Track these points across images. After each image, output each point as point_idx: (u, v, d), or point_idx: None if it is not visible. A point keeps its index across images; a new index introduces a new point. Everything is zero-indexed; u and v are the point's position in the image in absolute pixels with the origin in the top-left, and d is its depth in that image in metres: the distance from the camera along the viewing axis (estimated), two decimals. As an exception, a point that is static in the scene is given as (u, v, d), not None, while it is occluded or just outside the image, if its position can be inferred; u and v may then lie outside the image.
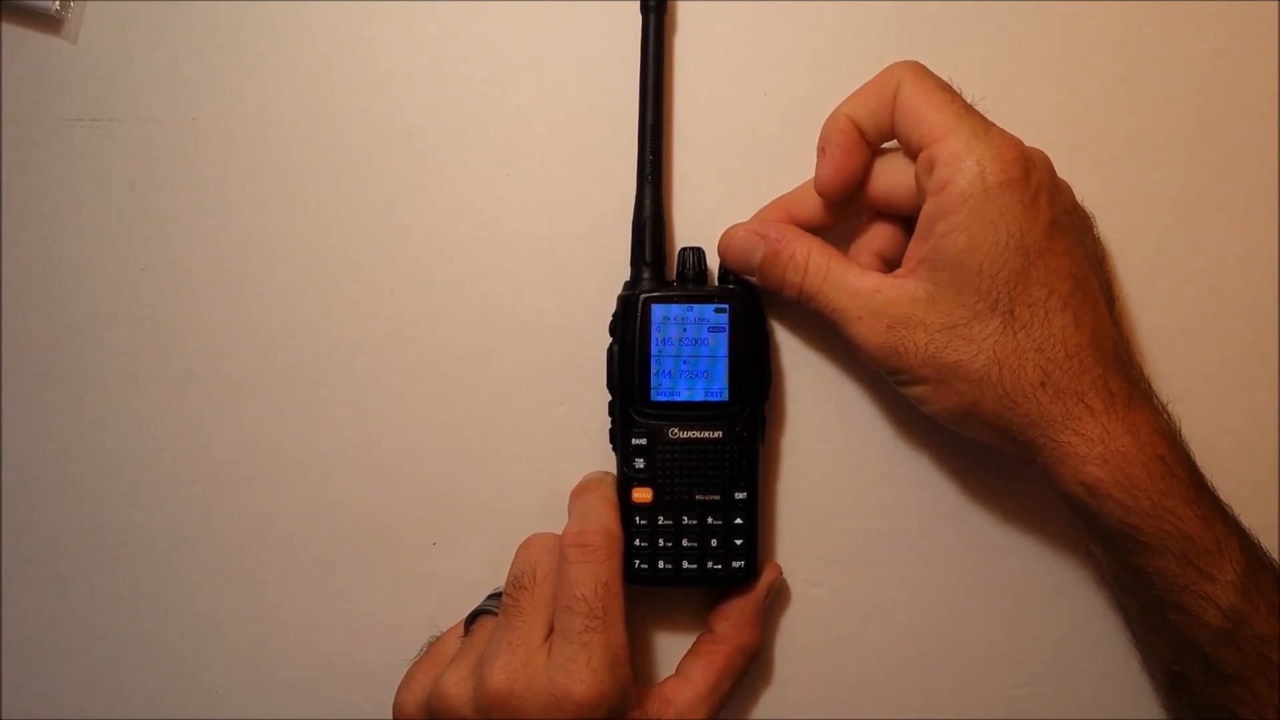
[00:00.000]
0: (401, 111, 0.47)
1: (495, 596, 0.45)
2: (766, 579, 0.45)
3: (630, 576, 0.43)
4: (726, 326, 0.43)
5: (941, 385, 0.40)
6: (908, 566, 0.47)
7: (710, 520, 0.44)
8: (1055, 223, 0.39)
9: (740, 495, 0.44)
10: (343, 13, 0.47)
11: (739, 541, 0.44)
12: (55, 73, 0.47)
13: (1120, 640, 0.47)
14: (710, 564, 0.44)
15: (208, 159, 0.47)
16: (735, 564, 0.44)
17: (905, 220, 0.43)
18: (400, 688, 0.44)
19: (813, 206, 0.44)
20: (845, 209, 0.43)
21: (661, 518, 0.44)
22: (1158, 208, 0.47)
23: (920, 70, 0.41)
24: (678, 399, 0.43)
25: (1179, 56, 0.46)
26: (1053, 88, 0.46)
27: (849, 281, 0.41)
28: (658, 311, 0.43)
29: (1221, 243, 0.47)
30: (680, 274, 0.45)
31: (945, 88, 0.40)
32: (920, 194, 0.40)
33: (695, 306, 0.43)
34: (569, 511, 0.44)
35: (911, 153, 0.41)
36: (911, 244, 0.41)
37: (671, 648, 0.47)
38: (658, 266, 0.45)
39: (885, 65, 0.42)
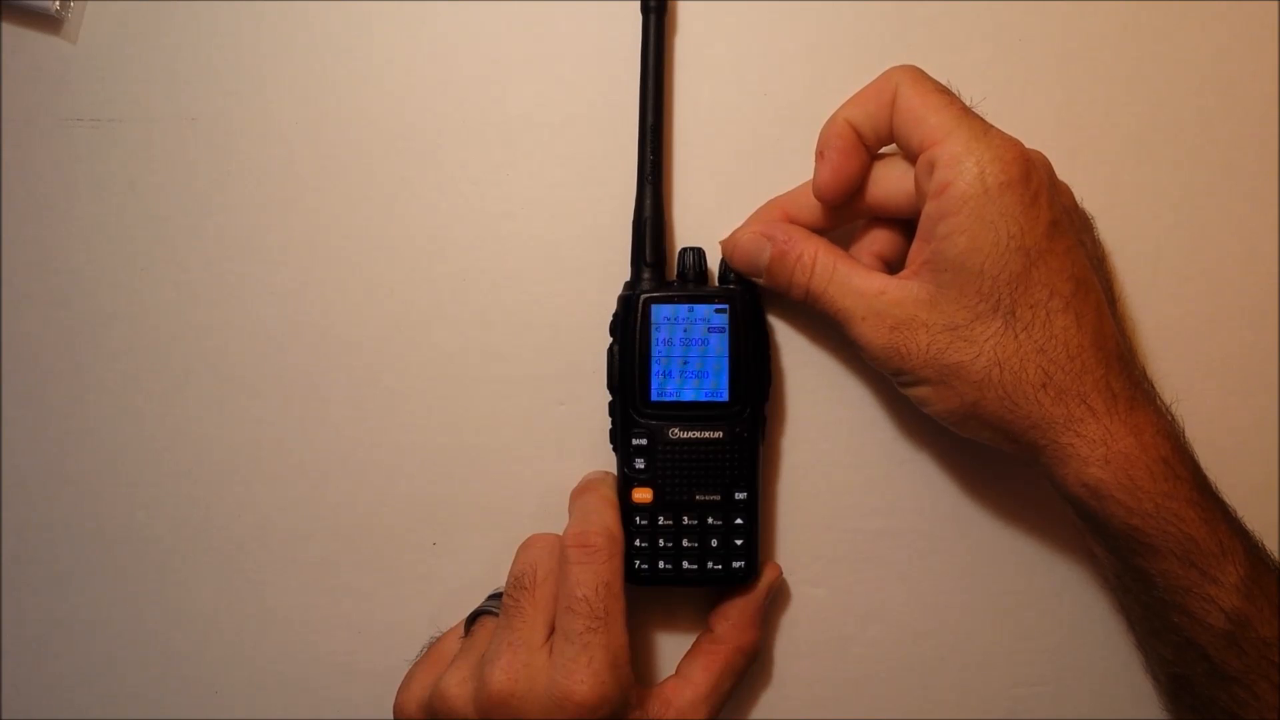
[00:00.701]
0: (401, 111, 0.47)
1: (496, 597, 0.45)
2: (766, 579, 0.45)
3: (630, 577, 0.43)
4: (727, 327, 0.43)
5: (943, 386, 0.40)
6: (908, 566, 0.47)
7: (710, 520, 0.44)
8: (1056, 223, 0.39)
9: (740, 495, 0.44)
10: (342, 13, 0.47)
11: (739, 541, 0.44)
12: (55, 73, 0.47)
13: (1121, 641, 0.47)
14: (710, 564, 0.44)
15: (208, 159, 0.47)
16: (735, 564, 0.44)
17: (905, 222, 0.43)
18: (401, 688, 0.44)
19: (810, 209, 0.43)
20: (842, 213, 0.43)
21: (662, 518, 0.44)
22: (1158, 208, 0.47)
23: (918, 74, 0.41)
24: (678, 399, 0.43)
25: (1179, 56, 0.46)
26: (1053, 88, 0.46)
27: (854, 282, 0.41)
28: (658, 312, 0.43)
29: (1221, 243, 0.47)
30: (680, 274, 0.45)
31: (944, 90, 0.40)
32: (920, 196, 0.40)
33: (695, 307, 0.43)
34: (569, 512, 0.44)
35: (911, 156, 0.41)
36: (914, 246, 0.41)
37: (671, 648, 0.47)
38: (658, 267, 0.45)
39: (885, 66, 0.42)
